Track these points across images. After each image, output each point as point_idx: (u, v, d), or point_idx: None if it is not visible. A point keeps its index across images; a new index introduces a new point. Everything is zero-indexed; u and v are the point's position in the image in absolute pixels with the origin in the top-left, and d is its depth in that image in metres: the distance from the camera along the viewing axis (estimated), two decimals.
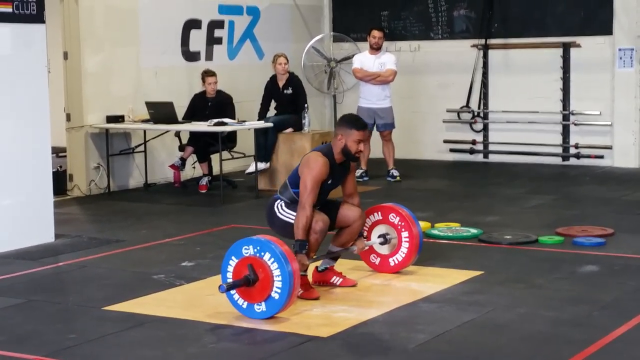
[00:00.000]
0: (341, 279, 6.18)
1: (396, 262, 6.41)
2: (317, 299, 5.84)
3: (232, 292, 5.52)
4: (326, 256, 6.16)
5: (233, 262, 5.54)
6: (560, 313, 5.52)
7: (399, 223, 6.36)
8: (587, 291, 5.99)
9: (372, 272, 6.51)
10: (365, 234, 6.37)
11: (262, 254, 5.44)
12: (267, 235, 5.61)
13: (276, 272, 5.39)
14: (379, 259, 6.48)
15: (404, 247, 6.35)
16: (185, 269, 6.77)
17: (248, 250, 5.50)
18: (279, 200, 6.06)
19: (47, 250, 7.50)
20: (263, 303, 5.44)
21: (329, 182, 5.96)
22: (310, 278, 6.09)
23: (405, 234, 6.34)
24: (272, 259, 5.41)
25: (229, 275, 5.53)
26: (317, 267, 6.20)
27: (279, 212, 6.02)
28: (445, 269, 6.62)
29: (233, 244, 5.60)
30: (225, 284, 5.47)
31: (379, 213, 6.43)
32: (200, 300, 5.93)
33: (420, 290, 6.05)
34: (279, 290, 5.39)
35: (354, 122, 6.03)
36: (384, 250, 6.45)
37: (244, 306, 5.52)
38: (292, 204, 5.97)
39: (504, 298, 5.85)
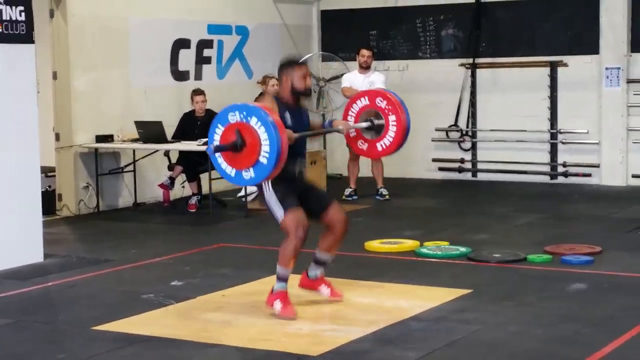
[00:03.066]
0: (329, 289, 6.18)
1: (384, 146, 6.33)
2: (294, 317, 5.79)
3: (220, 161, 5.46)
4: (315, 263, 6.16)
5: (219, 129, 5.48)
6: (549, 331, 5.53)
7: (387, 107, 6.29)
8: (576, 309, 6.01)
9: (363, 290, 6.51)
10: (352, 119, 6.31)
11: (249, 118, 5.38)
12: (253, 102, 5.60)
13: (264, 137, 5.34)
14: (366, 144, 6.42)
15: (391, 131, 6.26)
16: (174, 288, 6.76)
17: (234, 117, 5.44)
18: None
19: (36, 270, 7.48)
20: (251, 169, 5.40)
21: (290, 122, 5.82)
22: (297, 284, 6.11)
23: (392, 118, 6.26)
24: (259, 123, 5.35)
25: (216, 144, 5.49)
26: (307, 273, 6.19)
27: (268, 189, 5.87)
28: (434, 287, 6.63)
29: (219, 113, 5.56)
30: (213, 146, 5.42)
31: (366, 98, 6.37)
32: (190, 320, 5.92)
33: (409, 308, 6.05)
34: (266, 155, 5.35)
35: (292, 61, 6.02)
36: (371, 135, 6.39)
37: (232, 174, 5.47)
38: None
39: (494, 316, 5.87)
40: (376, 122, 6.34)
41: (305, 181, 6.07)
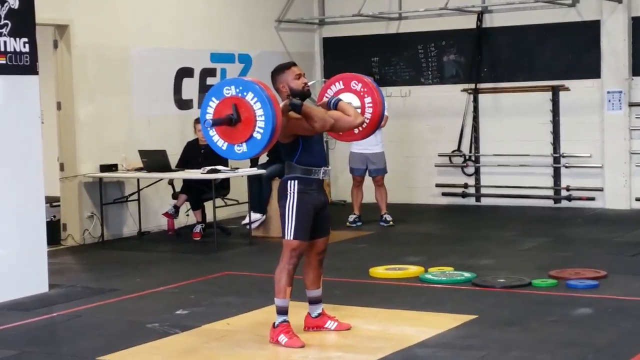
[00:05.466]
0: (336, 323, 6.17)
1: (360, 129, 6.24)
2: (302, 346, 5.78)
3: (212, 133, 5.44)
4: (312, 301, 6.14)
5: (213, 103, 5.46)
6: (554, 356, 5.52)
7: (362, 89, 6.22)
8: (581, 334, 6.00)
9: (368, 316, 6.51)
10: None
11: (245, 93, 5.36)
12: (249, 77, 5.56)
13: (259, 112, 5.32)
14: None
15: (368, 114, 6.19)
16: (179, 317, 6.76)
17: (230, 91, 5.42)
18: (291, 181, 5.87)
19: (41, 300, 7.48)
20: (244, 144, 5.38)
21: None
22: (302, 323, 6.09)
23: (368, 100, 6.20)
24: (255, 99, 5.34)
25: (209, 117, 5.47)
26: (309, 314, 6.18)
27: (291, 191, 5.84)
28: (439, 313, 6.62)
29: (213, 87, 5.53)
30: (211, 119, 5.40)
31: (341, 82, 6.29)
32: (195, 349, 5.91)
33: (415, 335, 6.04)
34: (261, 130, 5.33)
35: (282, 66, 5.97)
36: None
37: (224, 147, 5.46)
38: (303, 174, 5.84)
39: (499, 342, 5.86)
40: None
41: (324, 194, 6.04)
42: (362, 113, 6.18)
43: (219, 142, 5.47)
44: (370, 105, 6.22)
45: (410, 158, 12.99)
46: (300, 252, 5.88)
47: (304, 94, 5.88)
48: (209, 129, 5.46)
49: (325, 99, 6.15)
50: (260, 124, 5.34)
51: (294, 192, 5.84)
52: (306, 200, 5.84)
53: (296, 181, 5.86)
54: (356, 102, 6.19)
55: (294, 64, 6.01)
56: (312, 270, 6.08)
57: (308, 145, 5.86)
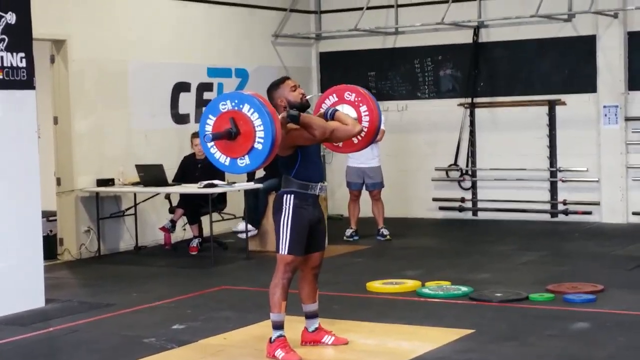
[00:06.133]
0: (333, 338, 6.15)
1: (359, 138, 6.23)
2: None
3: (213, 151, 5.44)
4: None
5: (211, 120, 5.46)
6: None
7: (356, 99, 6.22)
8: (579, 348, 5.99)
9: (365, 331, 6.49)
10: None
11: (241, 106, 5.37)
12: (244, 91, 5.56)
13: (257, 122, 5.32)
14: (341, 142, 6.29)
15: (365, 122, 6.19)
16: (176, 332, 6.74)
17: (226, 105, 5.42)
18: (287, 195, 5.87)
19: (37, 315, 7.46)
20: (246, 156, 5.37)
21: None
22: (299, 338, 6.07)
23: (363, 108, 6.20)
24: (252, 110, 5.34)
25: (209, 133, 5.47)
26: (306, 329, 6.17)
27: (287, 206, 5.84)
28: (436, 327, 6.60)
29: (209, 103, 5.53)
30: (210, 134, 5.39)
31: (334, 95, 6.29)
32: None
33: (412, 349, 6.03)
34: (261, 140, 5.33)
35: (276, 82, 5.96)
36: None
37: (227, 163, 5.44)
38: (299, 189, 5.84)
39: (496, 356, 5.84)
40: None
41: (319, 209, 6.03)
42: (359, 122, 6.16)
43: (221, 158, 5.47)
44: (367, 113, 6.23)
45: (407, 172, 13.00)
46: (295, 267, 5.87)
47: (303, 105, 5.89)
48: (208, 144, 5.46)
49: (321, 111, 6.15)
50: (260, 134, 5.35)
51: (289, 207, 5.84)
52: (301, 215, 5.84)
53: (292, 195, 5.86)
54: (352, 113, 6.20)
55: (288, 77, 6.03)
56: (307, 285, 6.07)
57: (306, 159, 5.86)
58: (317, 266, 6.05)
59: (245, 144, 5.36)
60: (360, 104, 6.23)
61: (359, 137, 6.19)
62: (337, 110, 6.05)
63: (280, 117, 5.57)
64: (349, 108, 6.22)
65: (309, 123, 5.74)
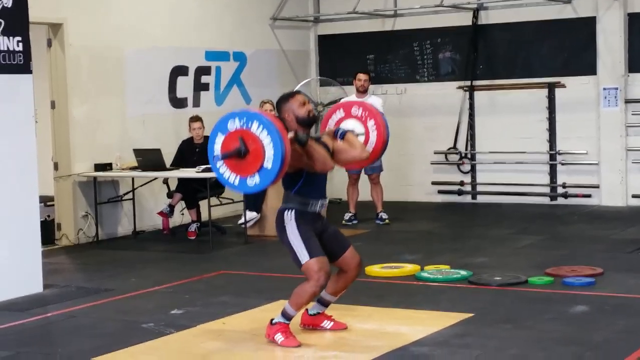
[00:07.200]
0: (332, 323, 6.15)
1: (369, 151, 6.21)
2: (298, 346, 5.75)
3: (222, 170, 5.39)
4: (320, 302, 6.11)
5: (220, 138, 5.41)
6: (551, 354, 5.50)
7: (363, 114, 6.24)
8: (577, 331, 5.98)
9: (364, 315, 6.48)
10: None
11: (250, 124, 5.31)
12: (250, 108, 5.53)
13: (266, 141, 5.26)
14: None
15: (373, 136, 6.20)
16: (174, 317, 6.73)
17: (234, 124, 5.36)
18: (287, 211, 5.83)
19: (35, 300, 7.45)
20: (256, 174, 5.30)
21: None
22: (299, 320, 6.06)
23: (371, 123, 6.21)
24: (261, 127, 5.28)
25: (218, 153, 5.43)
26: (307, 310, 6.16)
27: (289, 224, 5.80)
28: (435, 311, 6.60)
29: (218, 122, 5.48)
30: (220, 154, 5.34)
31: (341, 110, 6.30)
32: (190, 349, 5.89)
33: (411, 334, 6.02)
34: (271, 158, 5.27)
35: (286, 95, 5.93)
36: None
37: (236, 182, 5.38)
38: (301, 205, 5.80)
39: (495, 340, 5.84)
40: (356, 133, 6.26)
41: (324, 220, 6.02)
42: (367, 137, 6.19)
43: (230, 178, 5.40)
44: (374, 127, 6.24)
45: (406, 156, 12.96)
46: (327, 271, 5.74)
47: (310, 120, 5.84)
48: (218, 163, 5.41)
49: (332, 128, 6.10)
50: (269, 152, 5.27)
51: (291, 220, 5.79)
52: (304, 222, 5.79)
53: (293, 211, 5.80)
54: (359, 128, 6.20)
55: (299, 92, 5.99)
56: (344, 283, 6.03)
57: (311, 178, 5.80)
58: (359, 263, 6.01)
59: (255, 163, 5.30)
60: (368, 118, 6.25)
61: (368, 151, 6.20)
62: (347, 132, 5.99)
63: (289, 135, 5.51)
64: (355, 122, 6.22)
65: (312, 155, 5.69)
